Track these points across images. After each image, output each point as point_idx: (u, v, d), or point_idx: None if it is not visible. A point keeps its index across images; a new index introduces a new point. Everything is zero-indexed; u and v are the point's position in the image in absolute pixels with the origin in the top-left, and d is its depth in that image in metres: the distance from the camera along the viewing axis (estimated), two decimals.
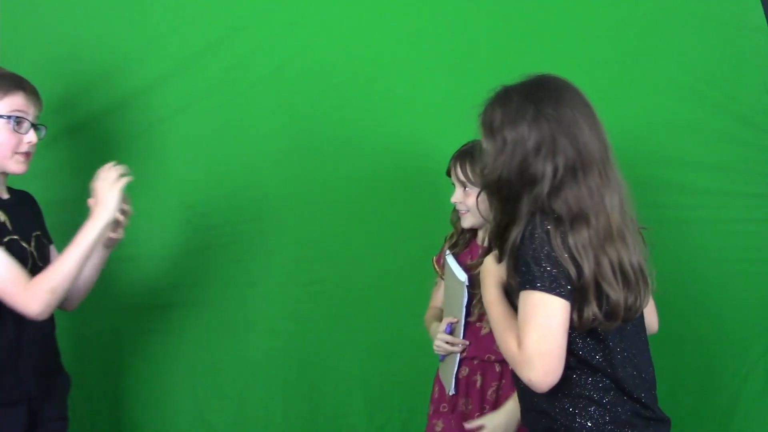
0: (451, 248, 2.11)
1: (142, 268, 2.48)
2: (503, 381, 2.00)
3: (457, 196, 2.05)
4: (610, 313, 1.45)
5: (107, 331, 2.47)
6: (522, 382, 1.45)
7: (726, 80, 2.61)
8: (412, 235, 2.55)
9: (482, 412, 2.02)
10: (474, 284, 1.97)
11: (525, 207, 1.48)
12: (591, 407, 1.49)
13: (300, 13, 2.48)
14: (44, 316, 1.76)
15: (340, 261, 2.55)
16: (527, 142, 1.48)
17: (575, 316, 1.44)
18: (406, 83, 2.53)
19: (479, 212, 1.97)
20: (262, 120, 2.49)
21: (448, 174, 2.08)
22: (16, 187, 1.98)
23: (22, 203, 1.96)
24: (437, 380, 2.16)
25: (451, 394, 2.05)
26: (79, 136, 2.41)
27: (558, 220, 1.45)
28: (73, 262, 1.77)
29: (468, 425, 1.92)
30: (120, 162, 2.10)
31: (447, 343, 2.01)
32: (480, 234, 2.08)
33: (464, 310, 2.00)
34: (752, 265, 2.67)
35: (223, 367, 2.53)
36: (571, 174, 1.47)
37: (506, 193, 1.50)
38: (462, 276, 1.97)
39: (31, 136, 1.86)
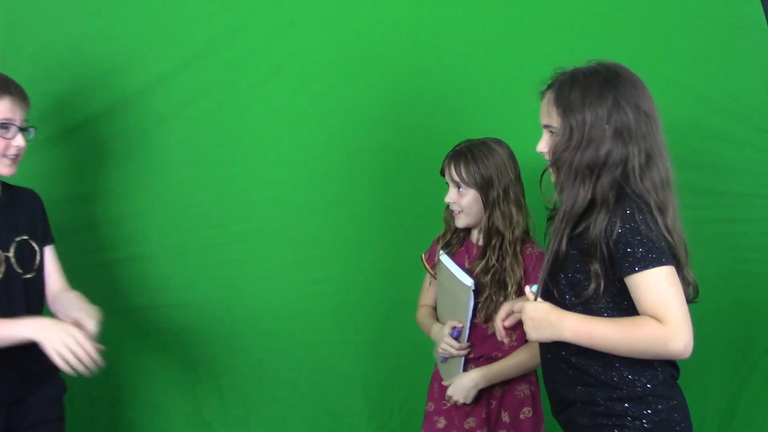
0: (444, 247, 2.11)
1: (142, 268, 2.47)
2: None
3: (451, 196, 2.05)
4: (693, 294, 1.58)
5: (107, 331, 2.47)
6: (573, 366, 1.57)
7: (726, 80, 2.62)
8: (412, 235, 2.55)
9: (488, 409, 2.02)
10: (479, 288, 1.97)
11: (607, 190, 1.52)
12: (646, 371, 1.55)
13: (300, 13, 2.48)
14: None
15: (340, 261, 2.55)
16: (606, 125, 1.54)
17: None
18: (405, 83, 2.53)
19: (472, 213, 1.98)
20: (262, 120, 2.49)
21: (442, 174, 2.09)
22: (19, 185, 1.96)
23: (14, 204, 1.93)
24: (435, 377, 2.16)
25: None
26: (78, 136, 2.40)
27: (647, 204, 1.52)
28: None
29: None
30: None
31: (453, 347, 2.02)
32: (474, 233, 2.09)
33: (470, 314, 2.00)
34: (752, 265, 2.68)
35: (223, 367, 2.53)
36: (651, 162, 1.57)
37: (583, 174, 1.54)
38: (468, 281, 1.97)
39: (19, 141, 1.83)
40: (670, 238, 1.51)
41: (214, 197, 2.48)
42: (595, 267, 1.52)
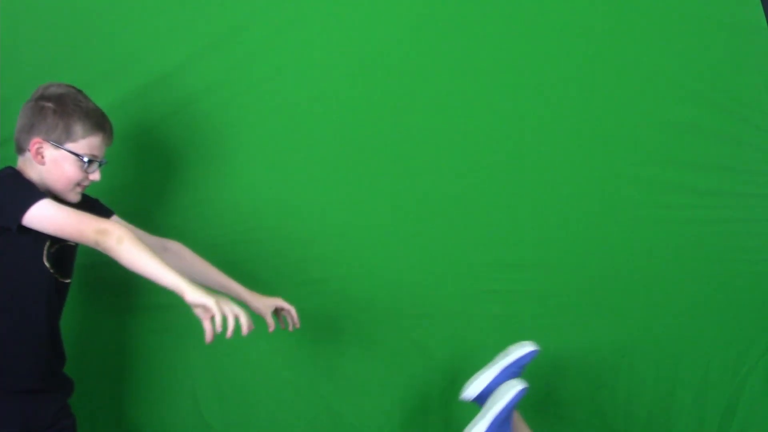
0: None
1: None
2: None
3: None
4: None
5: (107, 331, 2.47)
6: None
7: (726, 80, 2.62)
8: (412, 235, 2.56)
9: None
10: None
11: None
12: None
13: (300, 13, 2.48)
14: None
15: (340, 261, 2.55)
16: None
17: None
18: (406, 83, 2.53)
19: None
20: (262, 120, 2.49)
21: None
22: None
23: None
24: None
25: None
26: None
27: None
28: (145, 267, 1.74)
29: None
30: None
31: None
32: None
33: None
34: (752, 265, 2.68)
35: (223, 367, 2.53)
36: None
37: None
38: None
39: (97, 176, 1.88)
40: None
41: (214, 197, 2.49)
42: None
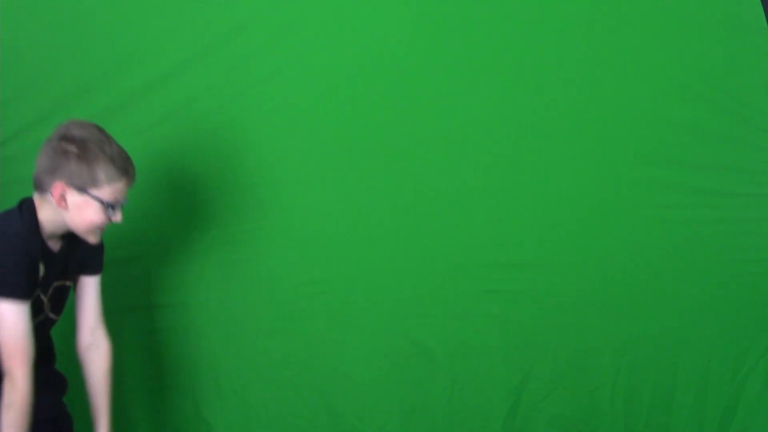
0: None
1: (142, 268, 2.47)
2: None
3: None
4: None
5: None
6: None
7: (726, 80, 2.61)
8: (412, 235, 2.56)
9: None
10: None
11: None
12: None
13: (300, 13, 2.48)
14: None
15: (340, 261, 2.55)
16: None
17: None
18: (405, 83, 2.53)
19: None
20: (262, 120, 2.49)
21: None
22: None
23: (73, 250, 1.92)
24: None
25: None
26: None
27: None
28: None
29: None
30: None
31: None
32: None
33: None
34: (752, 265, 2.68)
35: (223, 367, 2.53)
36: None
37: None
38: None
39: (118, 217, 1.84)
40: None
41: (214, 197, 2.48)
42: None
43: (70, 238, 1.87)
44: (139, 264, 2.47)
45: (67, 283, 1.95)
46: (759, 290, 2.67)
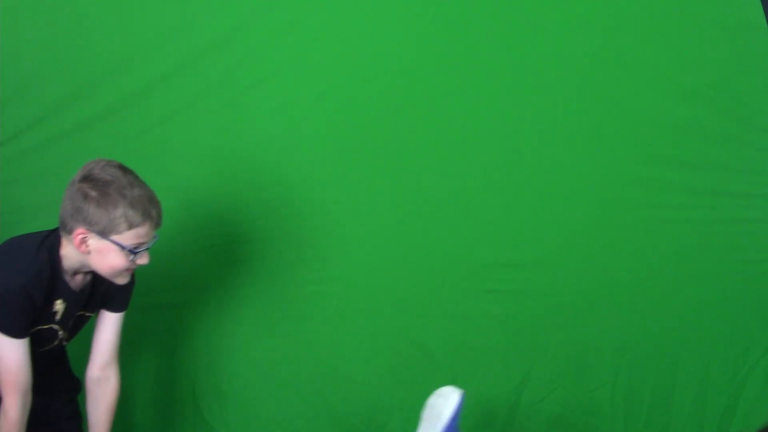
0: None
1: (142, 268, 2.46)
2: None
3: None
4: None
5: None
6: None
7: (726, 80, 2.61)
8: (412, 235, 2.56)
9: None
10: None
11: None
12: None
13: (300, 13, 2.48)
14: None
15: (340, 261, 2.55)
16: None
17: None
18: (405, 83, 2.53)
19: None
20: (262, 120, 2.49)
21: None
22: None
23: (99, 285, 1.89)
24: None
25: None
26: (79, 136, 2.40)
27: None
28: None
29: None
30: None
31: None
32: None
33: None
34: (752, 265, 2.68)
35: (223, 367, 2.53)
36: None
37: None
38: None
39: (145, 260, 1.78)
40: None
41: (214, 197, 2.49)
42: None
43: (96, 273, 1.83)
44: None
45: (87, 314, 1.93)
46: (759, 290, 2.67)
